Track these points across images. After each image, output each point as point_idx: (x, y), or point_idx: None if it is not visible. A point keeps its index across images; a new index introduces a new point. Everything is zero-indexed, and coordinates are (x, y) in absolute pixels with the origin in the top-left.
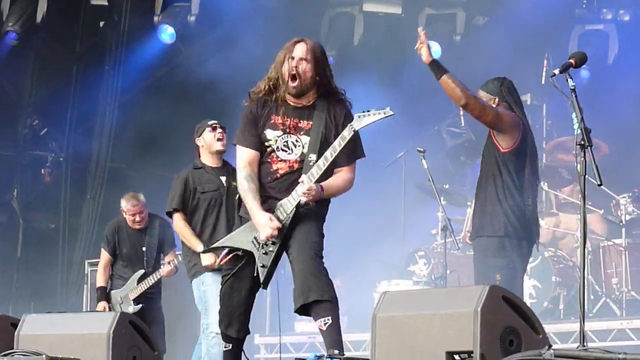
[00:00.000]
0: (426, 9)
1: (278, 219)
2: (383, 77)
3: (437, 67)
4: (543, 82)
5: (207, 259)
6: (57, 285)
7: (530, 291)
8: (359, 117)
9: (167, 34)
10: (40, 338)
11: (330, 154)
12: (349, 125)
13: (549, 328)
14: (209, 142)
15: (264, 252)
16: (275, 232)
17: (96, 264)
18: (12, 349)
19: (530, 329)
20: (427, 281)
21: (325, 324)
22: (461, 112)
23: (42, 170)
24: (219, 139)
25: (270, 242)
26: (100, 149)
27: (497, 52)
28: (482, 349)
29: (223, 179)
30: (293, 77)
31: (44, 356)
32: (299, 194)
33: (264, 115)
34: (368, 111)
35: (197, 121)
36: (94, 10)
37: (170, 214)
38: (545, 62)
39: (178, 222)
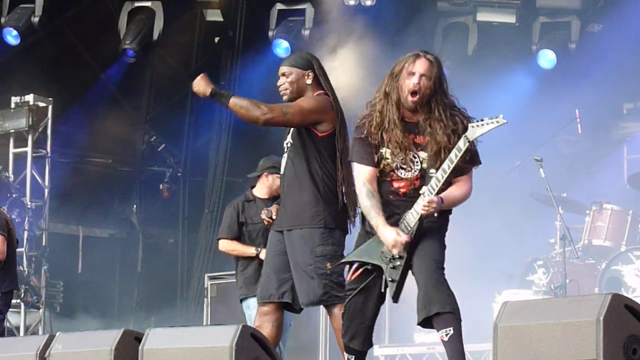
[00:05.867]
0: (540, 17)
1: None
2: (499, 85)
3: (219, 95)
4: None
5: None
6: (177, 299)
7: None
8: (472, 127)
9: (281, 48)
10: (164, 352)
11: (447, 166)
12: (463, 136)
13: None
14: (276, 186)
15: (392, 266)
16: (403, 247)
17: (216, 278)
18: None
19: None
20: (546, 290)
21: (447, 334)
22: (578, 120)
23: (161, 186)
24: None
25: (398, 256)
26: (217, 163)
27: (613, 59)
28: (606, 358)
29: (273, 208)
30: (413, 93)
31: None
32: (420, 208)
33: (378, 134)
34: (482, 120)
35: None
36: (209, 27)
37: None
38: None
39: (225, 245)
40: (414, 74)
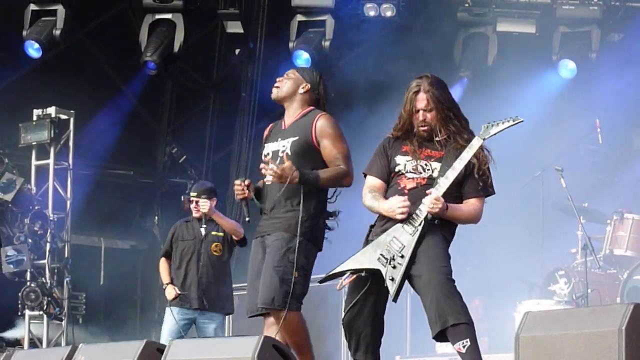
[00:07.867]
0: (560, 27)
1: (406, 232)
2: (519, 95)
3: (307, 178)
4: None
5: (168, 293)
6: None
7: None
8: (487, 126)
9: (302, 59)
10: None
11: (458, 164)
12: (476, 136)
13: None
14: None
15: (392, 266)
16: (408, 205)
17: (237, 289)
18: None
19: None
20: (568, 300)
21: (464, 346)
22: (598, 130)
23: (182, 197)
24: (195, 209)
25: (399, 255)
26: (239, 175)
27: (634, 68)
28: None
29: (202, 228)
30: (422, 126)
31: None
32: (426, 205)
33: (396, 146)
34: (495, 121)
35: None
36: (229, 38)
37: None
38: None
39: (160, 265)
40: (419, 112)
